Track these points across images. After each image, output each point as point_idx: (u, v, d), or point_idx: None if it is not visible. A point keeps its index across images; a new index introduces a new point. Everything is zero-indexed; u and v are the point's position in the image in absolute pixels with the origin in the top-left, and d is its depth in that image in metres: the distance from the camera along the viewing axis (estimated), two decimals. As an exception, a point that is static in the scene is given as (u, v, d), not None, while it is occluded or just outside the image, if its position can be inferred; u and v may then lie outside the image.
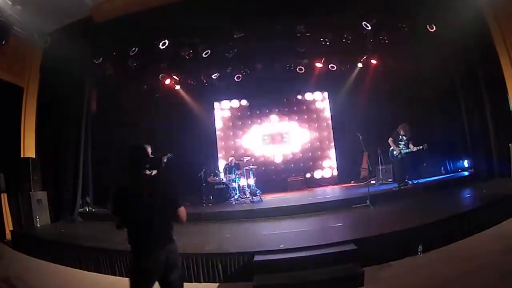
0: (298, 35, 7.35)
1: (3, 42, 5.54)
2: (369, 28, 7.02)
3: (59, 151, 7.37)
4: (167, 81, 9.02)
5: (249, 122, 10.64)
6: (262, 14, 6.55)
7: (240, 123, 10.67)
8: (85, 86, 7.54)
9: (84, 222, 7.15)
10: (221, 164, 9.92)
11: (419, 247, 3.97)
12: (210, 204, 7.88)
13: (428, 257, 3.90)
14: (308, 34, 7.37)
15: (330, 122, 10.51)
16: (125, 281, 2.41)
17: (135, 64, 7.48)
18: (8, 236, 6.17)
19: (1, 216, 6.28)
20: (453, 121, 8.30)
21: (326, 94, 10.59)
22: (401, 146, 7.21)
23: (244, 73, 9.47)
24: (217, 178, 8.33)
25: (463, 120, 7.87)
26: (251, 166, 8.60)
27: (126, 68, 7.53)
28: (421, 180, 7.65)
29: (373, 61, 8.91)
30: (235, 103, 10.71)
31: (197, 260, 4.04)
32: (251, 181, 8.54)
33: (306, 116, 10.59)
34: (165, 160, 7.16)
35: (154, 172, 2.73)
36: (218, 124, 10.67)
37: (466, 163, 8.44)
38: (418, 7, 6.47)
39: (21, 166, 6.64)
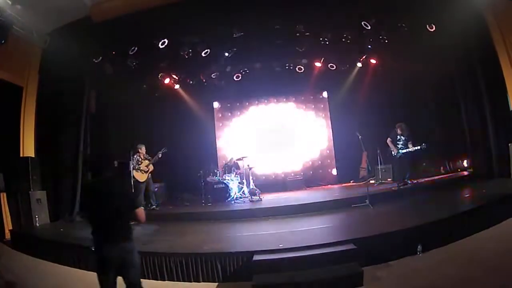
0: (298, 34, 7.34)
1: (3, 42, 5.51)
2: (369, 27, 7.01)
3: (58, 150, 7.35)
4: (167, 81, 9.02)
5: (248, 121, 10.63)
6: (262, 14, 6.54)
7: (239, 122, 10.67)
8: (85, 85, 7.51)
9: (83, 221, 7.13)
10: (220, 163, 9.93)
11: (418, 246, 3.96)
12: (209, 204, 7.87)
13: (427, 256, 3.90)
14: (308, 33, 7.37)
15: (329, 121, 10.52)
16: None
17: (134, 64, 7.46)
18: (8, 235, 6.14)
19: (1, 215, 6.24)
20: (452, 120, 8.30)
21: (325, 93, 10.61)
22: (399, 145, 7.22)
23: (243, 73, 9.48)
24: (216, 178, 8.32)
25: (462, 120, 7.88)
26: (250, 166, 8.60)
27: (126, 68, 7.51)
28: (420, 180, 7.65)
29: (373, 61, 8.91)
30: (234, 102, 10.70)
31: (196, 260, 4.03)
32: (251, 180, 8.54)
33: (306, 116, 10.58)
34: (160, 155, 7.20)
35: (114, 176, 3.19)
36: (217, 123, 10.67)
37: (465, 163, 8.44)
38: (418, 7, 6.47)
39: (21, 166, 6.60)
